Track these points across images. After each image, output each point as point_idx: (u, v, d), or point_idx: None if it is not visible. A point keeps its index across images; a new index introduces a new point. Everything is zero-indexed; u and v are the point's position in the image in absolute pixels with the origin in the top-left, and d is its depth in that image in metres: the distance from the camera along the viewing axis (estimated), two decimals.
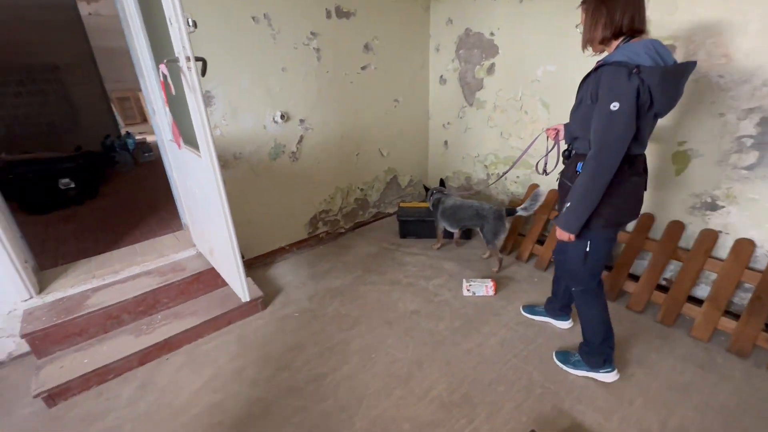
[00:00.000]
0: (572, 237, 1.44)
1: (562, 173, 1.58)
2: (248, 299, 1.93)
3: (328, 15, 2.62)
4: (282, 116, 2.60)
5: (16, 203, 3.44)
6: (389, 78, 3.11)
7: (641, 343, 1.96)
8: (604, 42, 1.34)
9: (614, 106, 1.21)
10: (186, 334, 2.07)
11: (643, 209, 2.27)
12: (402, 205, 3.24)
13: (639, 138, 1.30)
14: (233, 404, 1.72)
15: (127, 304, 2.08)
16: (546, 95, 2.62)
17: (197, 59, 1.43)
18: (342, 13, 2.68)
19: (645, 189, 1.45)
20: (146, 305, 2.14)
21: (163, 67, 1.45)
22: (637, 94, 1.20)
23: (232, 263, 1.88)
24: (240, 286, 1.89)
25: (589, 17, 1.33)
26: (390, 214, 3.59)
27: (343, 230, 3.31)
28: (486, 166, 3.19)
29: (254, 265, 2.80)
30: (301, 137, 2.76)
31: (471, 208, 2.62)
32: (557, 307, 2.05)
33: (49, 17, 4.51)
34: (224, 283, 2.32)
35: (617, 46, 1.30)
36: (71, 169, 3.66)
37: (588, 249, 1.49)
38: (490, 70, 2.90)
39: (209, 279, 2.31)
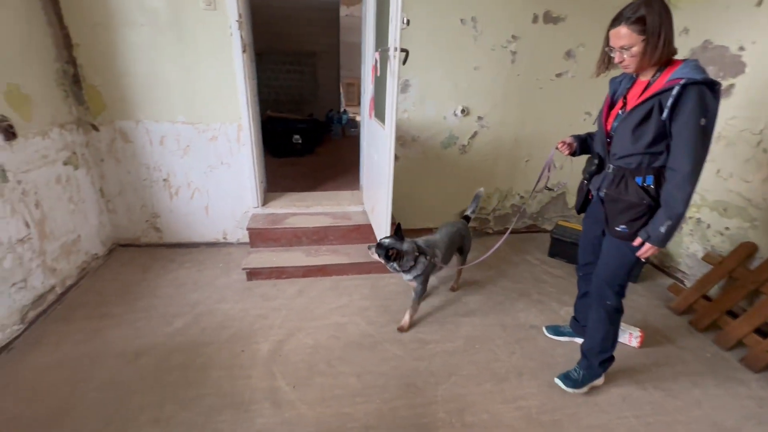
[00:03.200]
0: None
1: (607, 188, 1.52)
2: None
3: (535, 20, 2.65)
4: (462, 110, 2.82)
5: (266, 147, 4.83)
6: (586, 89, 2.91)
7: None
8: (657, 64, 1.35)
9: (703, 121, 1.24)
10: (337, 267, 2.60)
11: None
12: (561, 223, 3.03)
13: None
14: (351, 330, 2.11)
15: (307, 231, 2.75)
16: None
17: (402, 50, 1.77)
18: (550, 18, 2.66)
19: None
20: (318, 236, 2.77)
21: (376, 54, 1.87)
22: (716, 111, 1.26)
23: (383, 222, 2.25)
24: None
25: (654, 38, 1.28)
26: (545, 231, 3.39)
27: (490, 231, 3.34)
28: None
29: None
30: (475, 133, 2.93)
31: (455, 235, 2.28)
32: (584, 326, 1.91)
33: (318, 16, 5.98)
34: (374, 240, 2.75)
35: (675, 66, 1.32)
36: (302, 129, 4.87)
37: (635, 259, 1.51)
38: (727, 92, 2.36)
39: (365, 232, 2.79)
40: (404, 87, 2.70)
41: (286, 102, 6.15)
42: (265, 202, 2.98)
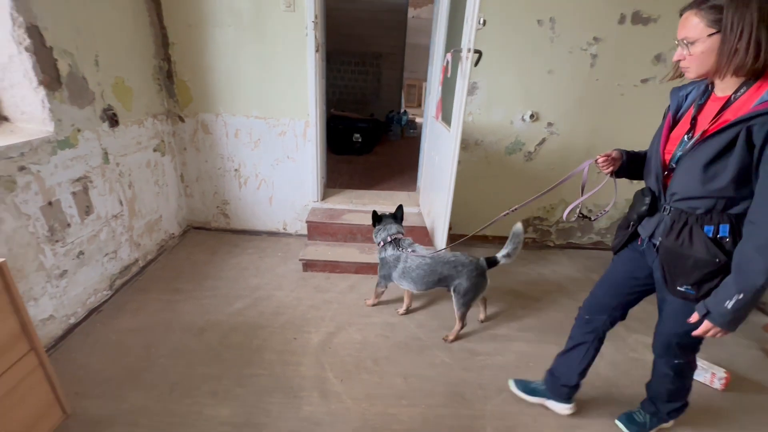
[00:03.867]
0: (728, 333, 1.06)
1: (664, 237, 1.16)
2: None
3: (621, 20, 2.45)
4: (531, 116, 2.69)
5: (327, 144, 5.00)
6: None
7: None
8: (738, 74, 0.99)
9: None
10: None
11: None
12: None
13: None
14: (399, 331, 2.10)
15: (362, 228, 2.79)
16: None
17: (475, 51, 1.73)
18: (639, 19, 2.44)
19: None
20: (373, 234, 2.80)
21: (448, 56, 1.84)
22: None
23: (440, 225, 2.22)
24: (441, 245, 2.21)
25: (733, 38, 0.94)
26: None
27: (551, 244, 3.16)
28: None
29: (457, 240, 3.10)
30: (543, 139, 2.78)
31: (446, 264, 1.96)
32: (563, 385, 1.59)
33: (386, 18, 6.05)
34: (429, 243, 2.72)
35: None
36: (363, 128, 4.96)
37: None
38: None
39: (420, 234, 2.76)
40: (471, 89, 2.63)
41: (349, 101, 6.31)
42: (324, 197, 3.08)
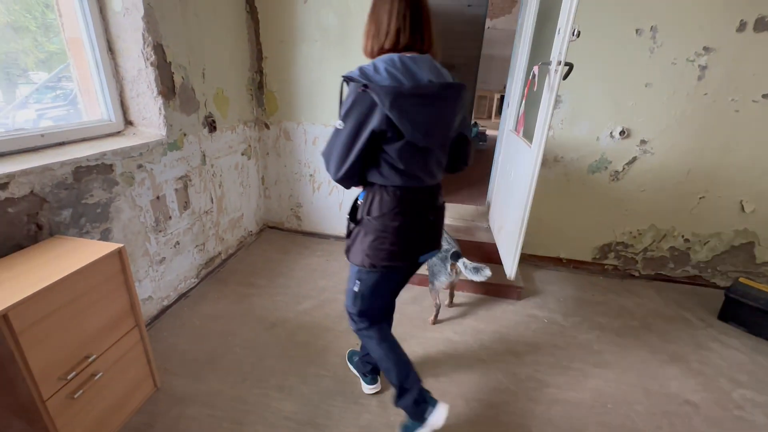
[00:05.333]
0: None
1: None
2: (512, 278, 2.13)
3: (741, 27, 2.15)
4: (622, 132, 2.47)
5: None
6: None
7: None
8: (373, 56, 1.18)
9: (339, 124, 1.12)
10: None
11: None
12: (743, 280, 2.40)
13: (398, 169, 1.14)
14: (462, 350, 2.03)
15: None
16: None
17: (565, 64, 1.64)
18: (764, 25, 2.13)
19: (419, 230, 1.25)
20: None
21: (536, 69, 1.77)
22: (366, 117, 1.07)
23: (513, 244, 2.11)
24: (511, 265, 2.11)
25: (368, 18, 1.19)
26: (715, 286, 2.73)
27: (636, 274, 2.85)
28: None
29: (526, 261, 2.95)
30: (634, 158, 2.53)
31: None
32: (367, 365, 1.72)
33: (462, 29, 6.01)
34: (497, 261, 2.61)
35: None
36: None
37: (356, 288, 1.37)
38: None
39: (487, 252, 2.67)
40: (554, 103, 2.49)
41: None
42: None
